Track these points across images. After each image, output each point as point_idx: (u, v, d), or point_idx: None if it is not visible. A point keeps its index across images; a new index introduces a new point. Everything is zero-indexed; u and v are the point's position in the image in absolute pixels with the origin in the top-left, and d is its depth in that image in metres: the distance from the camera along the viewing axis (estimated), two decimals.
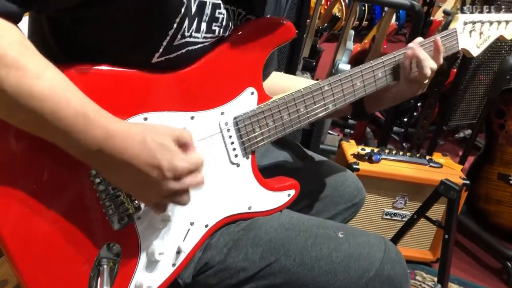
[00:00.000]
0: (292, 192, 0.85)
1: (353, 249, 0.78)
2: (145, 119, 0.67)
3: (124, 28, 0.63)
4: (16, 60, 0.52)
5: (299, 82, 1.02)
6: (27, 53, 0.54)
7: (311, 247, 0.78)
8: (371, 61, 0.88)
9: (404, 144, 2.72)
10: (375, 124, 2.83)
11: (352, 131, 2.55)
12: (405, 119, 2.82)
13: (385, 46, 2.21)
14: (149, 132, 0.61)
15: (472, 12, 1.02)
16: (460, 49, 1.01)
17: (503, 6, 1.08)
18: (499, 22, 1.06)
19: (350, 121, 2.53)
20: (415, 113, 2.76)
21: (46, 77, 0.54)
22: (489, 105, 1.89)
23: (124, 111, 0.65)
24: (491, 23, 1.04)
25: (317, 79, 2.80)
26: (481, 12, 1.03)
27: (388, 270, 0.78)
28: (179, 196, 0.65)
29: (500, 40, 1.09)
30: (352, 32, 2.16)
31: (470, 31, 1.02)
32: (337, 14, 2.77)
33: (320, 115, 0.84)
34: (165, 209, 0.67)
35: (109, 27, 0.63)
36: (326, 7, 3.47)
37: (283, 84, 1.00)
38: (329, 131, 2.46)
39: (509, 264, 1.85)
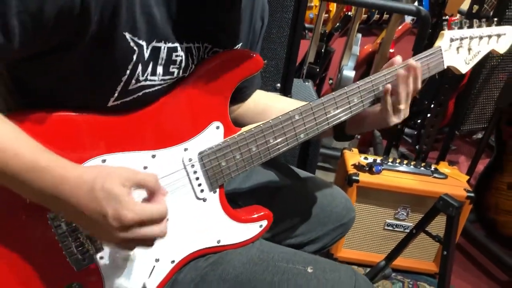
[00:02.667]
0: (265, 223, 0.84)
1: (322, 286, 0.77)
2: (103, 161, 0.68)
3: (76, 77, 0.64)
4: None
5: (279, 102, 1.01)
6: None
7: (278, 283, 0.77)
8: (345, 87, 0.86)
9: (416, 146, 2.66)
10: None
11: (359, 136, 2.51)
12: (419, 121, 2.75)
13: (392, 50, 2.15)
14: (100, 178, 0.60)
15: (460, 27, 0.98)
16: (446, 67, 0.97)
17: (495, 19, 1.04)
18: (489, 37, 1.01)
19: None
20: (428, 115, 2.70)
21: None
22: (499, 114, 1.83)
23: (81, 154, 0.66)
24: (480, 38, 1.00)
25: (330, 79, 2.77)
26: (471, 26, 0.99)
27: None
28: (139, 243, 0.64)
29: (493, 54, 1.05)
30: (359, 36, 2.12)
31: (458, 48, 0.98)
32: (349, 14, 2.71)
33: (291, 145, 0.83)
34: (131, 248, 0.67)
35: (58, 76, 0.64)
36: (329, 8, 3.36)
37: (263, 102, 0.99)
38: None
39: None
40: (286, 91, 1.56)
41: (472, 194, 1.62)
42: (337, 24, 2.63)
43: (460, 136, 2.92)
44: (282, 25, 1.40)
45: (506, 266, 1.84)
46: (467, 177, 1.74)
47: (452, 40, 0.98)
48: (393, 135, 2.31)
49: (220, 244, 0.81)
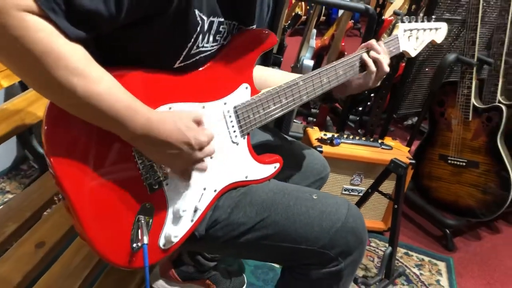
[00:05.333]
0: (278, 165, 1.09)
1: (325, 207, 1.02)
2: (170, 108, 0.88)
3: (155, 43, 0.82)
4: (83, 70, 0.69)
5: (274, 73, 1.25)
6: (90, 63, 0.71)
7: (293, 206, 1.01)
8: (334, 62, 1.12)
9: (359, 130, 3.02)
10: (334, 113, 3.11)
11: (314, 119, 2.81)
12: (360, 108, 3.12)
13: (343, 44, 2.46)
14: (177, 117, 0.82)
15: (410, 22, 1.28)
16: (401, 50, 1.27)
17: (433, 16, 1.36)
18: (430, 29, 1.33)
19: (313, 110, 2.78)
20: (368, 103, 3.07)
21: (104, 81, 0.72)
22: (432, 97, 2.19)
23: (154, 102, 0.85)
24: (424, 30, 1.31)
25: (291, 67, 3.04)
26: (417, 21, 1.30)
27: (351, 223, 1.01)
28: (200, 164, 0.88)
29: (433, 44, 1.37)
30: (315, 31, 2.41)
31: (409, 37, 1.29)
32: (298, 12, 3.01)
33: (298, 104, 1.07)
34: (190, 176, 0.90)
35: (141, 42, 0.82)
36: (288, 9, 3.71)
37: (263, 73, 1.23)
38: (294, 120, 2.71)
39: (447, 231, 2.16)
40: None
41: (413, 161, 1.95)
42: (289, 21, 2.93)
43: (394, 122, 3.32)
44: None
45: (440, 223, 2.20)
46: (408, 149, 2.08)
47: (405, 30, 1.28)
48: (340, 121, 2.64)
49: (248, 179, 1.04)
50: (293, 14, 2.95)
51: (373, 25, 2.11)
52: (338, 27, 2.36)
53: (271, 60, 2.12)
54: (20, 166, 2.13)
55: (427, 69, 2.68)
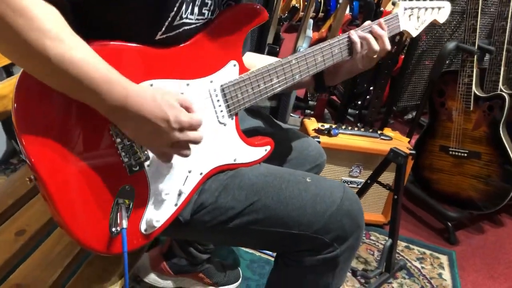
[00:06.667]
0: (268, 147, 1.03)
1: (319, 190, 0.97)
2: (151, 85, 0.83)
3: (134, 11, 0.77)
4: (58, 34, 0.64)
5: (269, 60, 1.20)
6: (65, 29, 0.67)
7: (285, 189, 0.96)
8: (329, 40, 1.07)
9: (358, 124, 2.96)
10: (332, 107, 3.05)
11: (312, 112, 2.76)
12: (359, 102, 3.06)
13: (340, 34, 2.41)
14: (159, 93, 0.76)
15: (410, 0, 1.23)
16: (401, 29, 1.21)
17: None
18: (432, 8, 1.27)
19: (311, 102, 2.73)
20: (367, 97, 3.01)
21: (80, 48, 0.67)
22: (432, 86, 2.13)
23: (134, 78, 0.79)
24: (426, 8, 1.26)
25: None
26: (418, 0, 1.25)
27: (346, 206, 0.96)
28: (182, 149, 0.81)
29: (435, 24, 1.31)
30: (311, 21, 2.36)
31: (409, 15, 1.23)
32: (296, 5, 2.96)
33: (289, 84, 1.02)
34: (170, 158, 0.84)
35: (121, 10, 0.77)
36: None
37: (256, 61, 1.17)
38: (291, 114, 2.66)
39: (449, 224, 2.10)
40: None
41: (413, 152, 1.90)
42: (286, 14, 2.88)
43: (393, 116, 3.27)
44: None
45: (441, 216, 2.15)
46: (408, 139, 2.03)
47: (405, 9, 1.23)
48: (338, 114, 2.59)
49: (236, 162, 0.98)
50: (291, 6, 2.91)
51: (371, 15, 2.06)
52: (336, 18, 2.31)
53: (266, 50, 2.07)
54: (10, 160, 2.08)
55: (426, 62, 2.64)
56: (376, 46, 1.07)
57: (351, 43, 1.09)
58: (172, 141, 0.78)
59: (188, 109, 0.80)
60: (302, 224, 0.93)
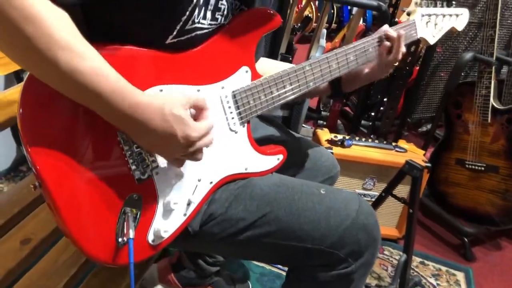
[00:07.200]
0: (281, 156, 1.00)
1: (333, 203, 0.93)
2: (161, 90, 0.80)
3: (145, 13, 0.75)
4: (69, 42, 0.62)
5: (283, 65, 1.17)
6: (75, 36, 0.64)
7: (298, 200, 0.92)
8: (344, 46, 1.04)
9: (371, 136, 2.91)
10: (345, 118, 3.01)
11: (324, 123, 2.72)
12: (373, 113, 3.02)
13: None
14: (168, 104, 0.72)
15: (428, 6, 1.20)
16: (419, 37, 1.18)
17: (453, 2, 1.27)
18: (450, 15, 1.24)
19: (323, 113, 2.69)
20: (381, 108, 2.97)
21: (89, 57, 0.65)
22: (447, 97, 2.09)
23: (143, 83, 0.77)
24: (444, 15, 1.22)
25: None
26: (436, 6, 1.21)
27: (362, 220, 0.92)
28: (194, 155, 0.78)
29: (453, 31, 1.27)
30: (324, 31, 2.33)
31: (427, 22, 1.20)
32: (309, 15, 2.94)
33: (303, 91, 0.99)
34: (181, 164, 0.81)
35: (132, 12, 0.75)
36: (297, 9, 3.66)
37: (270, 66, 1.15)
38: (303, 125, 2.62)
39: (465, 239, 2.04)
40: None
41: (429, 164, 1.85)
42: (299, 24, 2.86)
43: (407, 129, 3.22)
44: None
45: (457, 231, 2.08)
46: (423, 152, 1.98)
47: (422, 15, 1.19)
48: (352, 126, 2.55)
49: (247, 171, 0.95)
50: (304, 16, 2.89)
51: (386, 24, 2.02)
52: (349, 28, 2.29)
53: (279, 59, 2.05)
54: (19, 167, 2.07)
55: (442, 74, 2.59)
56: (400, 54, 1.05)
57: (367, 49, 1.06)
58: (181, 153, 0.76)
59: (200, 111, 0.78)
60: (316, 238, 0.89)
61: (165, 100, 0.73)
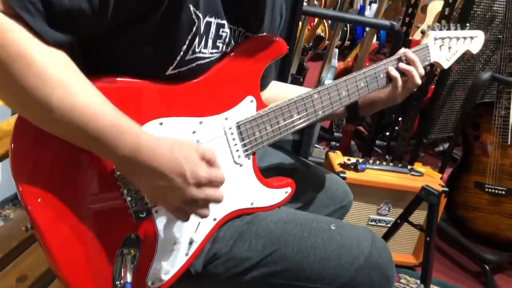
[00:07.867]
0: (289, 190, 0.95)
1: (345, 240, 0.88)
2: (161, 123, 0.76)
3: (144, 45, 0.71)
4: (62, 79, 0.59)
5: (294, 89, 1.13)
6: (70, 73, 0.61)
7: (307, 238, 0.87)
8: (354, 72, 0.99)
9: (386, 156, 2.84)
10: (359, 138, 2.95)
11: (337, 144, 2.66)
12: (387, 133, 2.95)
13: (367, 64, 2.34)
14: (176, 144, 0.69)
15: (441, 29, 1.14)
16: (432, 61, 1.13)
17: (467, 24, 1.22)
18: (465, 38, 1.18)
19: (336, 134, 2.64)
20: (396, 127, 2.90)
21: (85, 93, 0.62)
22: (465, 118, 2.02)
23: (142, 116, 0.74)
24: (458, 38, 1.16)
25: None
26: (449, 29, 1.16)
27: (375, 258, 0.86)
28: (199, 208, 0.72)
29: (468, 54, 1.22)
30: (336, 50, 2.29)
31: (440, 46, 1.14)
32: (321, 34, 2.91)
33: (312, 120, 0.94)
34: (186, 217, 0.74)
35: (131, 45, 0.71)
36: (309, 27, 3.64)
37: (281, 91, 1.11)
38: (316, 145, 2.57)
39: (487, 267, 1.95)
40: None
41: (446, 189, 1.78)
42: (310, 43, 2.83)
43: (424, 148, 3.14)
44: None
45: (478, 258, 1.99)
46: (440, 175, 1.90)
47: (435, 39, 1.14)
48: (366, 147, 2.48)
49: (253, 206, 0.90)
50: (316, 35, 2.86)
51: (399, 44, 1.98)
52: (362, 47, 2.25)
53: (289, 80, 2.01)
54: None
55: (458, 93, 2.52)
56: (418, 80, 1.00)
57: (378, 75, 1.01)
58: (187, 198, 0.69)
59: (210, 163, 0.72)
60: (326, 278, 0.84)
61: (173, 141, 0.70)
